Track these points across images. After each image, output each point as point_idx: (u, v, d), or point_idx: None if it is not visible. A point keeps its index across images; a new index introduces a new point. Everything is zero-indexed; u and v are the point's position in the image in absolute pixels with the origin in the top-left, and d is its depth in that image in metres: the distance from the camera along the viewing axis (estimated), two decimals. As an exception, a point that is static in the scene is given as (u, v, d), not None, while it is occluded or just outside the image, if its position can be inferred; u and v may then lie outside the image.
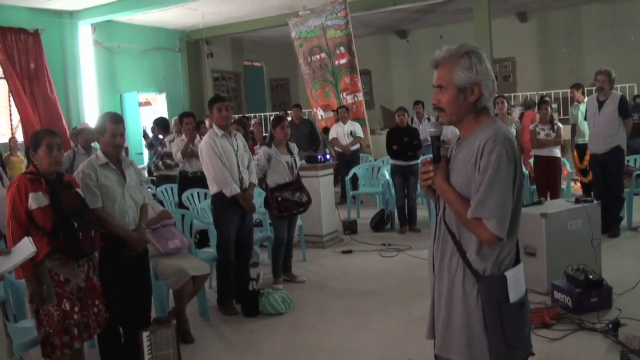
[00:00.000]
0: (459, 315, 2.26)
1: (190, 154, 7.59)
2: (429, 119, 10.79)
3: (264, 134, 11.33)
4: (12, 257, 3.08)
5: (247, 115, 14.77)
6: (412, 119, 10.53)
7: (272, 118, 8.22)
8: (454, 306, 2.28)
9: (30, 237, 3.20)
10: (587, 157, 8.22)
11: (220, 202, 5.40)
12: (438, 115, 2.35)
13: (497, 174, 2.12)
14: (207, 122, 8.81)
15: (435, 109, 2.33)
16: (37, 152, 3.56)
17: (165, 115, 14.13)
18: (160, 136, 9.19)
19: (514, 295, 2.22)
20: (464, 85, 2.22)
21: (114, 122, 4.05)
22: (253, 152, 7.36)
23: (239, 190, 5.34)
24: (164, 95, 14.73)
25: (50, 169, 3.58)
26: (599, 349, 4.13)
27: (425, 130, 9.98)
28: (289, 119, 10.77)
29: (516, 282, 2.25)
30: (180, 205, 7.29)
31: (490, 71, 2.25)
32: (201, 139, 7.63)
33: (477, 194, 2.14)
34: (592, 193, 7.40)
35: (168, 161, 8.32)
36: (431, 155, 2.41)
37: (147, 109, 13.93)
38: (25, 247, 3.09)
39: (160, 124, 9.22)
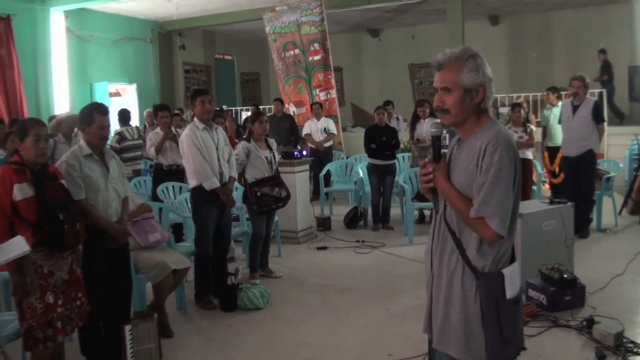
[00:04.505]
0: (457, 311, 2.33)
1: (159, 148, 7.49)
2: (397, 118, 10.87)
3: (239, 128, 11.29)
4: (1, 252, 3.02)
5: (217, 108, 14.64)
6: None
7: (249, 113, 8.19)
8: (452, 302, 2.34)
9: (23, 238, 3.12)
10: (557, 160, 8.41)
11: (199, 195, 5.38)
12: (440, 116, 2.38)
13: (499, 174, 2.19)
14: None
15: (439, 111, 2.36)
16: (23, 142, 3.49)
17: (136, 106, 13.99)
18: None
19: (510, 292, 2.31)
20: (471, 86, 2.28)
21: (102, 113, 4.00)
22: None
23: (218, 184, 5.33)
24: (134, 86, 14.52)
25: (37, 160, 3.51)
26: (574, 345, 4.26)
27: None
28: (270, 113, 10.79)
29: (512, 279, 2.33)
30: (154, 198, 7.22)
31: (491, 74, 2.32)
32: (176, 132, 7.62)
33: (480, 194, 2.21)
34: (563, 194, 7.57)
35: None
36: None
37: (117, 99, 13.71)
38: (18, 245, 3.03)
39: (119, 115, 9.01)
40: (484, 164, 2.22)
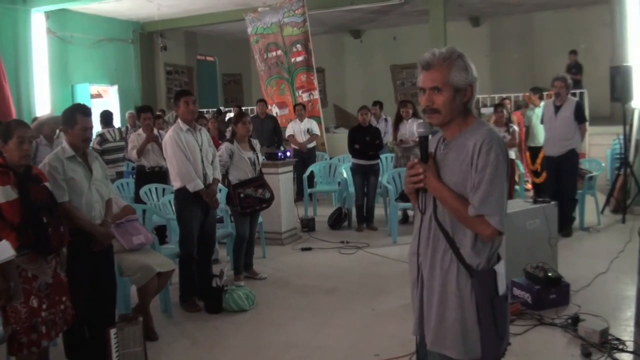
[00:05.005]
0: (453, 310, 2.32)
1: (141, 150, 7.42)
2: (386, 120, 10.87)
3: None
4: None
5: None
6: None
7: (232, 114, 8.15)
8: (448, 302, 2.34)
9: (8, 242, 3.08)
10: (539, 160, 8.48)
11: (183, 197, 5.35)
12: (428, 116, 2.38)
13: (495, 172, 2.22)
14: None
15: (427, 111, 2.35)
16: (7, 144, 3.44)
17: (117, 108, 13.88)
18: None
19: (501, 289, 2.34)
20: (461, 85, 2.29)
21: (85, 114, 3.97)
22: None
23: (202, 186, 5.30)
24: (115, 88, 14.43)
25: (20, 162, 3.47)
26: (560, 343, 4.29)
27: (382, 131, 10.08)
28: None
29: (502, 276, 2.36)
30: (137, 200, 7.17)
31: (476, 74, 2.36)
32: (159, 133, 7.56)
33: (478, 192, 2.22)
34: (545, 193, 7.63)
35: None
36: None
37: (98, 101, 13.60)
38: (3, 250, 2.97)
39: (101, 117, 8.94)
40: (479, 162, 2.23)
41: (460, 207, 2.25)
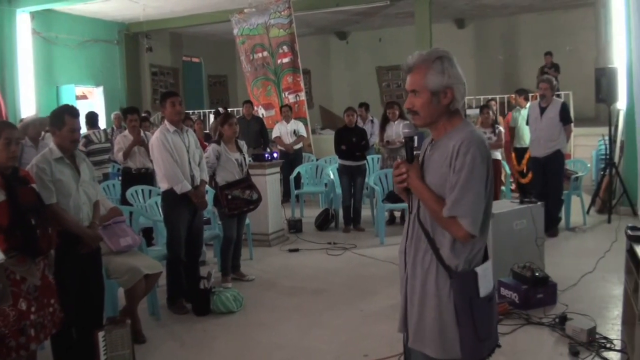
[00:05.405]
0: (431, 309, 2.33)
1: (128, 153, 7.38)
2: (372, 121, 10.90)
3: (205, 131, 11.22)
4: None
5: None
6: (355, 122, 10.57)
7: (220, 115, 8.12)
8: (427, 301, 2.35)
9: None
10: (524, 160, 8.54)
11: (170, 199, 5.32)
12: (411, 118, 2.40)
13: (471, 174, 2.21)
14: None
15: (409, 113, 2.39)
16: (-7, 146, 3.41)
17: (103, 109, 13.81)
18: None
19: (483, 290, 2.32)
20: (437, 89, 2.29)
21: (73, 116, 3.95)
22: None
23: (189, 188, 5.28)
24: (101, 89, 14.36)
25: (7, 163, 3.43)
26: (548, 342, 4.33)
27: (369, 132, 10.09)
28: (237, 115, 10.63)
29: (485, 277, 2.35)
30: (124, 202, 7.13)
31: (461, 75, 2.34)
32: (145, 135, 7.52)
33: (453, 194, 2.23)
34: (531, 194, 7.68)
35: None
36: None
37: (83, 102, 13.52)
38: None
39: (86, 118, 8.89)
40: (457, 163, 2.24)
41: (438, 208, 2.27)
